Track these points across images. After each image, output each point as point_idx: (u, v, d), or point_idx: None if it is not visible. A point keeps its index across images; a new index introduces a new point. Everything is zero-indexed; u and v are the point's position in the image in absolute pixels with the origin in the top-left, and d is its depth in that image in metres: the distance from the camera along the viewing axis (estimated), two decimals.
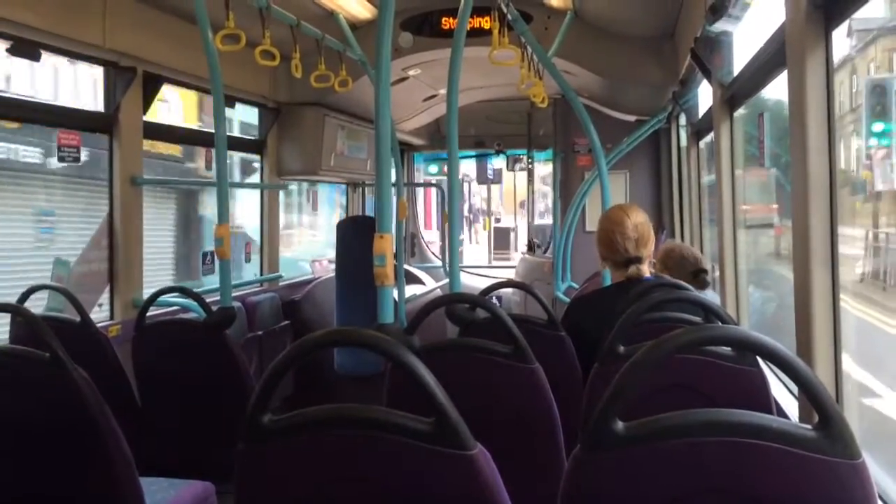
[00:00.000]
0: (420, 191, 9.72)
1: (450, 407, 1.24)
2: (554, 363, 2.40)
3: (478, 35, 4.59)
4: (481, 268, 8.61)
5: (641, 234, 2.64)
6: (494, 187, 13.43)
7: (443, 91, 6.19)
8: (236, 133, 5.75)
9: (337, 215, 7.65)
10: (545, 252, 7.57)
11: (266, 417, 1.31)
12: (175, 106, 5.26)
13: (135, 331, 3.28)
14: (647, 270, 2.66)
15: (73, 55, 3.59)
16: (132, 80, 3.87)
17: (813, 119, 1.94)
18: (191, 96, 5.29)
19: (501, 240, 12.77)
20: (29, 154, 3.88)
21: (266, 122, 5.52)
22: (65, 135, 3.61)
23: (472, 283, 7.55)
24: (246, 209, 5.74)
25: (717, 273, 3.73)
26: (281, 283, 5.72)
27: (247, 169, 6.10)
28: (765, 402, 1.91)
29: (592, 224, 5.17)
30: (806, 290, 1.97)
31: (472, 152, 8.85)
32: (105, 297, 3.96)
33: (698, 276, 3.23)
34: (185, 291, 3.63)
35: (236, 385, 3.14)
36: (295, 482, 1.32)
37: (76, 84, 4.18)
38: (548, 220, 8.38)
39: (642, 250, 2.64)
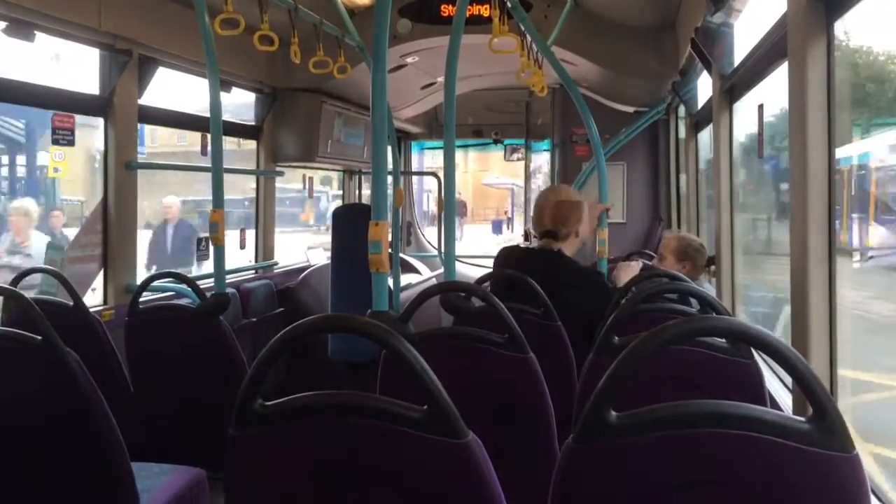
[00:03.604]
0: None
1: (443, 395, 1.23)
2: (548, 353, 2.40)
3: (477, 23, 4.55)
4: (477, 257, 8.59)
5: (558, 212, 3.01)
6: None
7: (441, 79, 6.16)
8: None
9: None
10: None
11: (257, 403, 1.30)
12: None
13: (128, 316, 3.26)
14: (559, 246, 2.99)
15: (69, 37, 3.55)
16: (127, 63, 3.83)
17: (813, 112, 1.93)
18: None
19: None
20: None
21: (262, 107, 5.48)
22: (59, 117, 3.58)
23: (468, 272, 7.53)
24: None
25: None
26: (276, 270, 5.70)
27: None
28: (759, 394, 1.91)
29: None
30: (803, 282, 1.97)
31: (470, 141, 8.81)
32: (99, 282, 3.96)
33: (708, 265, 3.29)
34: (178, 277, 3.61)
35: (229, 371, 3.13)
36: (285, 468, 1.31)
37: None
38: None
39: (560, 227, 3.00)
